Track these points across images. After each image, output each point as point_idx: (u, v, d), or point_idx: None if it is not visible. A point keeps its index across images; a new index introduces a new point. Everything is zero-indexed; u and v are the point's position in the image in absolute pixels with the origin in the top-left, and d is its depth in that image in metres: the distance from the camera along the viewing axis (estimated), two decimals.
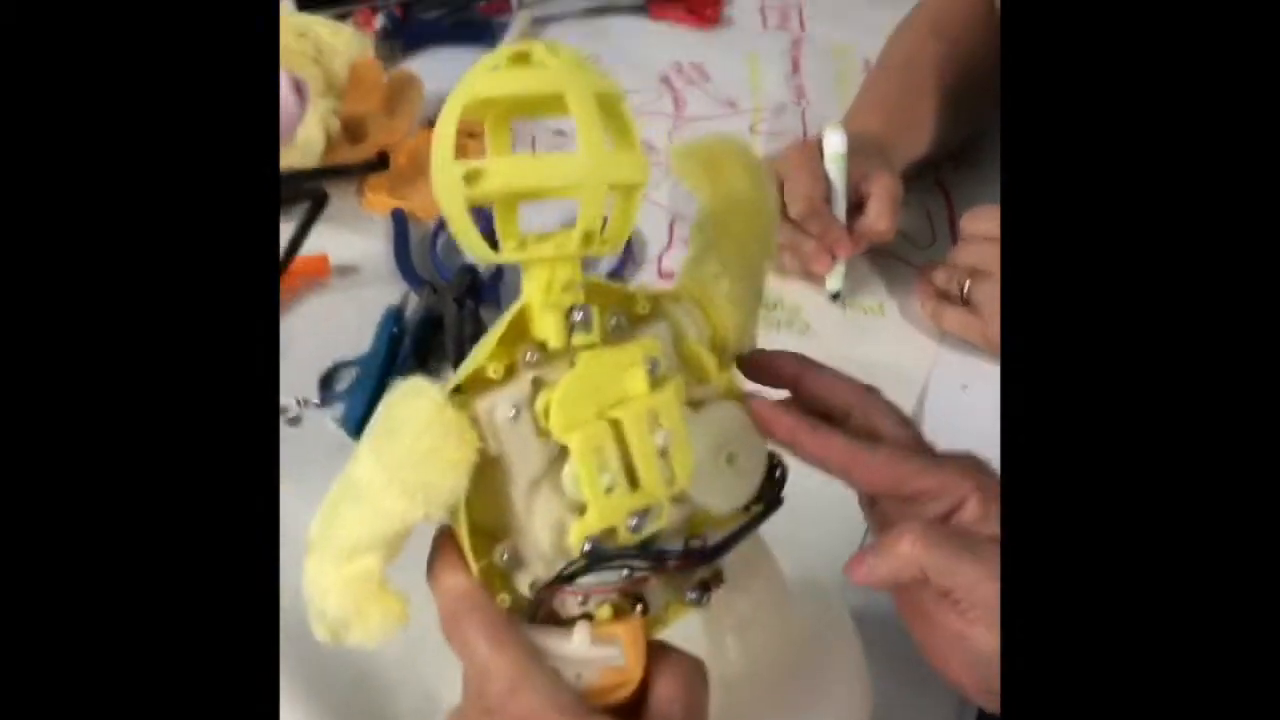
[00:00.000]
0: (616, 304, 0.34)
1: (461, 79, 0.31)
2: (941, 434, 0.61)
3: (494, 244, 0.32)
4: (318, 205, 0.70)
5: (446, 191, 0.31)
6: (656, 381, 0.33)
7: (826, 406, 0.39)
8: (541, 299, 0.32)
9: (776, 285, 0.71)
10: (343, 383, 0.63)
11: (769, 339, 0.65)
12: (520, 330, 0.33)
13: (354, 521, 0.31)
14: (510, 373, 0.32)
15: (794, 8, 1.00)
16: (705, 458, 0.34)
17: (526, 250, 0.32)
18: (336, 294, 0.69)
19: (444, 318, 0.65)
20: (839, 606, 0.42)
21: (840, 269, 0.68)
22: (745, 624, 0.38)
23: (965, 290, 0.64)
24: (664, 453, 0.33)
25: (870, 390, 0.40)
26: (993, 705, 0.39)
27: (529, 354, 0.32)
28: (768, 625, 0.38)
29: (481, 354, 0.32)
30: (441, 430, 0.31)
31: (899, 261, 0.73)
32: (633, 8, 0.99)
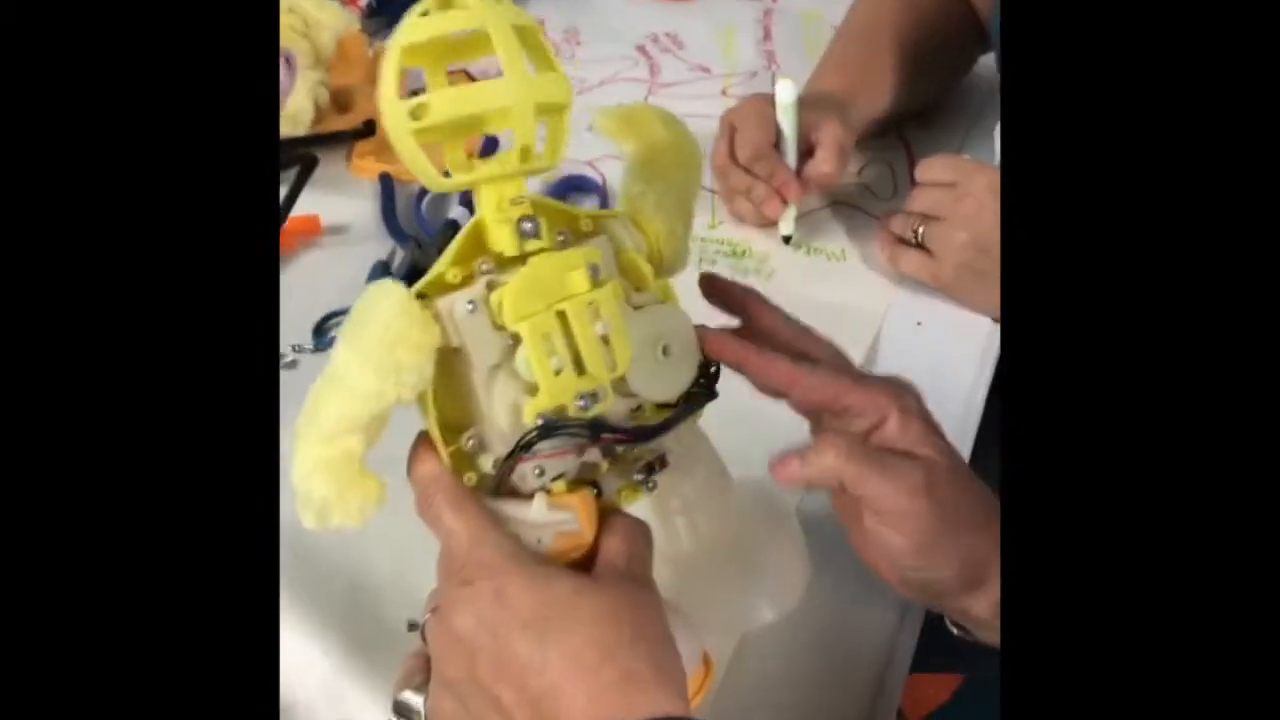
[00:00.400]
0: (562, 220, 0.38)
1: (396, 29, 0.35)
2: (895, 365, 0.65)
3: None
4: (308, 169, 0.75)
5: (395, 128, 0.34)
6: (598, 282, 0.37)
7: (770, 336, 0.44)
8: (494, 214, 0.36)
9: (744, 234, 0.75)
10: (334, 331, 0.67)
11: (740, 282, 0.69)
12: (476, 245, 0.37)
13: (334, 406, 0.35)
14: (467, 279, 0.36)
15: None
16: (642, 348, 0.38)
17: (476, 171, 0.36)
18: (328, 250, 0.74)
19: (428, 270, 0.69)
20: (778, 496, 0.46)
21: (791, 213, 0.72)
22: (690, 506, 0.42)
23: (919, 234, 0.68)
24: (605, 341, 0.37)
25: (806, 327, 0.45)
26: (909, 594, 0.44)
27: (484, 264, 0.36)
28: (711, 507, 0.42)
29: (441, 264, 0.36)
30: (408, 319, 0.34)
31: (861, 212, 0.77)
32: None
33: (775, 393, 0.43)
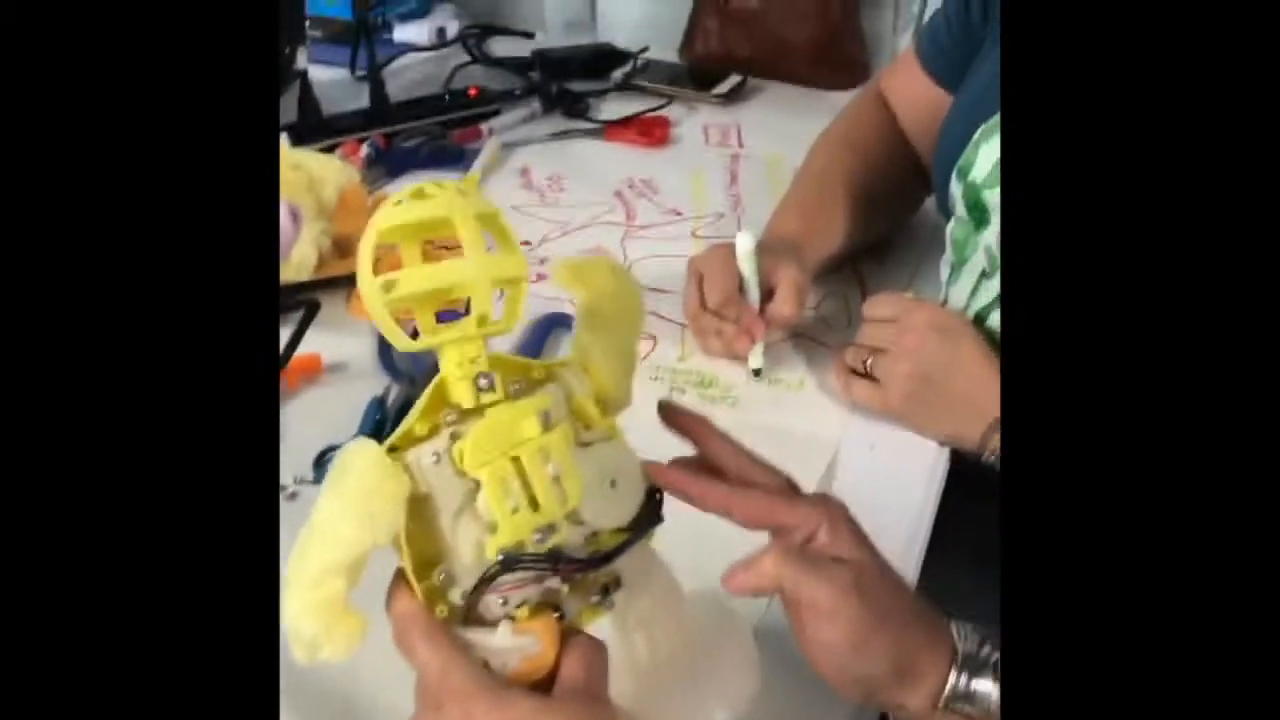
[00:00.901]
0: (516, 372, 0.43)
1: (373, 215, 0.41)
2: (851, 485, 0.71)
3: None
4: (311, 312, 0.81)
5: (369, 299, 0.40)
6: (549, 427, 0.42)
7: (716, 460, 0.49)
8: (454, 371, 0.41)
9: (711, 365, 0.81)
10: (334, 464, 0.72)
11: (703, 411, 0.75)
12: (440, 399, 0.42)
13: (317, 553, 0.39)
14: (433, 431, 0.41)
15: (733, 127, 1.12)
16: (592, 482, 0.43)
17: (439, 335, 0.41)
18: (328, 387, 0.79)
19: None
20: (730, 608, 0.51)
21: (759, 349, 0.79)
22: (647, 621, 0.46)
23: (868, 365, 0.74)
24: (557, 480, 0.41)
25: (750, 453, 0.50)
26: (850, 692, 0.48)
27: (448, 416, 0.41)
28: (666, 622, 0.47)
29: (410, 419, 0.41)
30: (381, 471, 0.39)
31: (817, 344, 0.83)
32: (591, 132, 1.11)
33: (718, 513, 0.48)
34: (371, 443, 0.40)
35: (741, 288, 0.78)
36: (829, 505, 0.48)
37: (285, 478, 0.71)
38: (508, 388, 0.42)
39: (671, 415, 0.50)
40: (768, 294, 0.78)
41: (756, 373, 0.79)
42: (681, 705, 0.49)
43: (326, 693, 0.58)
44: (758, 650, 0.51)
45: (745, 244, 0.77)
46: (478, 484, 0.41)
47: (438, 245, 0.46)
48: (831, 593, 0.45)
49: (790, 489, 0.50)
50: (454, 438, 0.41)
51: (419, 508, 0.41)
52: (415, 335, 0.42)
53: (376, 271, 0.41)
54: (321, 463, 0.72)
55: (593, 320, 0.46)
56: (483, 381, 0.41)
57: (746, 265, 0.77)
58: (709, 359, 0.81)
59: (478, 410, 0.42)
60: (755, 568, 0.46)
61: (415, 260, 0.42)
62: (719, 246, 0.81)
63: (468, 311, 0.41)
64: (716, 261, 0.78)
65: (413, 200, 0.41)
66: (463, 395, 0.41)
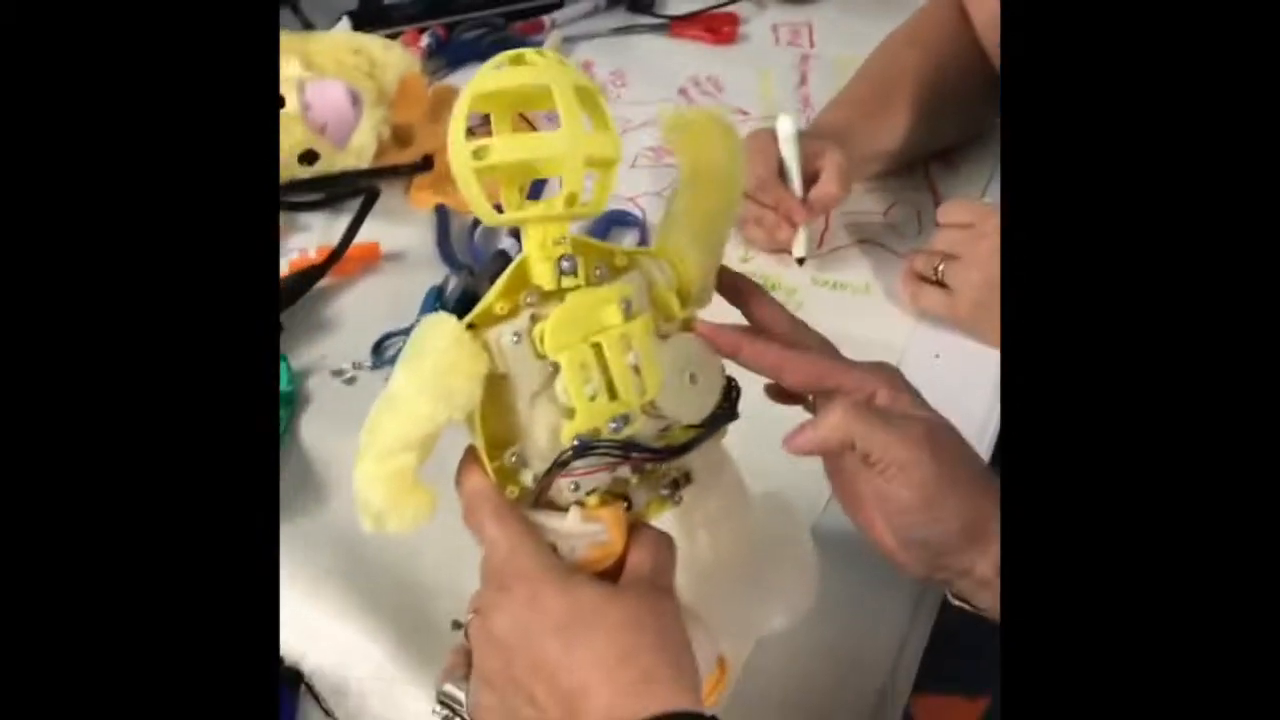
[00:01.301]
0: (599, 257, 0.42)
1: (471, 79, 0.40)
2: None
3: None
4: (370, 200, 0.80)
5: (459, 165, 0.39)
6: (630, 316, 0.41)
7: (766, 326, 0.47)
8: (537, 251, 0.40)
9: (774, 268, 0.79)
10: (392, 350, 0.72)
11: None
12: (521, 279, 0.41)
13: (391, 426, 0.39)
14: (513, 311, 0.41)
15: (804, 26, 1.09)
16: (671, 375, 0.42)
17: (525, 212, 0.40)
18: (387, 276, 0.79)
19: (479, 296, 0.74)
20: (792, 509, 0.50)
21: (802, 236, 0.77)
22: (713, 520, 0.46)
23: (939, 271, 0.72)
24: (636, 369, 0.41)
25: (800, 321, 0.48)
26: (910, 560, 0.46)
27: (528, 296, 0.41)
28: (731, 522, 0.46)
29: (490, 297, 0.41)
30: (460, 348, 0.39)
31: (886, 250, 0.81)
32: (655, 27, 1.08)
33: (770, 374, 0.46)
34: (451, 318, 0.40)
35: (782, 174, 0.76)
36: (885, 368, 0.47)
37: (344, 363, 0.71)
38: (590, 272, 0.42)
39: (722, 279, 0.47)
40: (811, 180, 0.76)
41: (800, 261, 0.78)
42: (739, 606, 0.49)
43: (385, 566, 0.58)
44: (816, 554, 0.50)
45: (786, 127, 0.75)
46: (556, 367, 0.40)
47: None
48: (905, 446, 0.43)
49: (841, 356, 0.48)
50: (534, 319, 0.40)
51: (495, 387, 0.41)
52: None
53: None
54: (379, 349, 0.72)
55: (690, 200, 0.44)
56: (565, 264, 0.40)
57: (788, 148, 0.75)
58: (776, 260, 0.79)
59: (558, 293, 0.41)
60: (822, 422, 0.44)
61: (506, 130, 0.40)
62: (759, 131, 0.78)
63: (536, 193, 0.40)
64: (754, 146, 0.76)
65: (512, 66, 0.40)
66: (544, 276, 0.40)
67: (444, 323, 0.40)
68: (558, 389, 0.40)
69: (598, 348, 0.40)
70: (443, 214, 0.82)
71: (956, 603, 0.48)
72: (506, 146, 0.39)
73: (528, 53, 0.40)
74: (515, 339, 0.40)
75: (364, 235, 0.78)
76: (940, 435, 0.44)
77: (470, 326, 0.40)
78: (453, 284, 0.77)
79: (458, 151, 0.39)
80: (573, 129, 0.39)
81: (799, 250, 0.78)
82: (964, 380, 0.70)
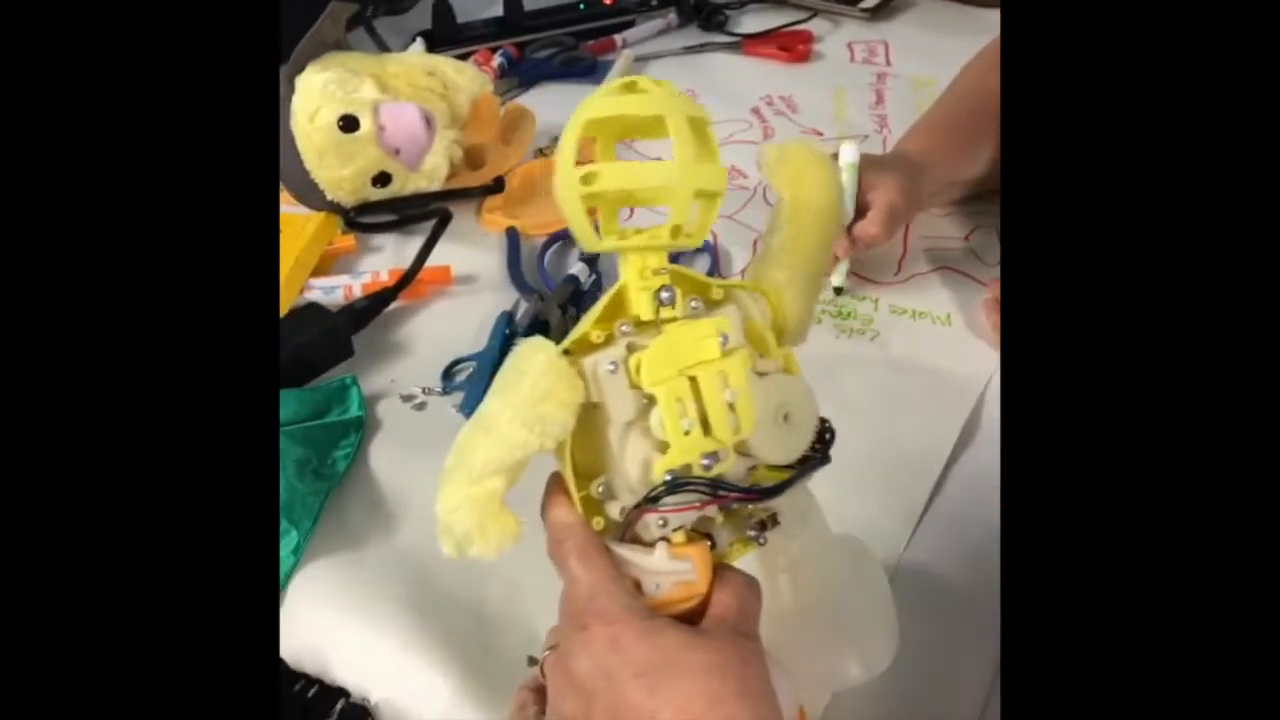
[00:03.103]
0: (696, 289, 0.41)
1: (581, 103, 0.39)
2: (997, 434, 0.66)
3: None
4: (442, 223, 0.80)
5: (566, 189, 0.38)
6: (727, 351, 0.39)
7: None
8: (636, 280, 0.39)
9: (850, 300, 0.77)
10: (461, 375, 0.71)
11: (844, 344, 0.71)
12: (616, 308, 0.40)
13: (483, 449, 0.38)
14: (609, 340, 0.40)
15: (880, 44, 1.07)
16: (765, 414, 0.40)
17: (626, 240, 0.39)
18: (458, 299, 0.78)
19: (549, 321, 0.74)
20: (874, 558, 0.48)
21: (843, 267, 0.76)
22: (795, 565, 0.44)
23: None
24: (731, 407, 0.39)
25: None
26: None
27: (624, 326, 0.40)
28: (813, 567, 0.45)
29: (585, 324, 0.40)
30: (556, 375, 0.38)
31: (968, 279, 0.78)
32: (728, 45, 1.07)
33: None
34: (549, 343, 0.39)
35: None
36: None
37: (414, 388, 0.70)
38: (686, 304, 0.40)
39: None
40: (860, 212, 0.74)
41: (838, 291, 0.77)
42: (818, 653, 0.47)
43: (455, 598, 0.57)
44: (895, 604, 0.48)
45: (849, 155, 0.73)
46: (650, 400, 0.39)
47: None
48: None
49: None
50: (630, 349, 0.39)
51: (586, 416, 0.39)
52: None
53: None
54: (450, 374, 0.71)
55: (792, 236, 0.43)
56: (664, 295, 0.39)
57: (846, 177, 0.74)
58: (852, 288, 0.77)
59: (654, 324, 0.40)
60: None
61: (611, 157, 0.39)
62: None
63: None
64: None
65: (625, 93, 0.39)
66: (643, 307, 0.39)
67: (542, 348, 0.39)
68: (652, 422, 0.39)
69: (694, 381, 0.39)
70: (514, 237, 0.82)
71: None
72: (617, 174, 0.38)
73: (641, 80, 0.39)
74: (612, 368, 0.39)
75: (435, 258, 0.78)
76: None
77: (565, 353, 0.39)
78: (523, 309, 0.76)
79: (565, 175, 0.38)
80: (685, 160, 0.38)
81: (837, 280, 0.76)
82: None
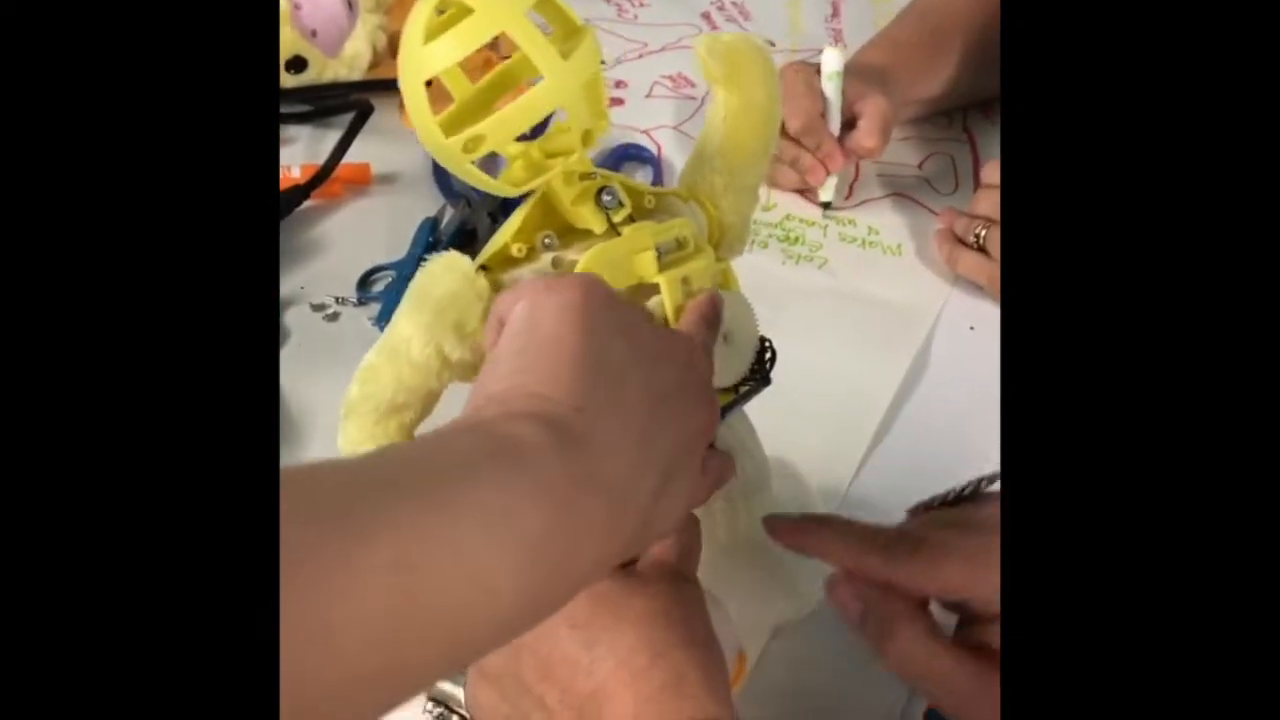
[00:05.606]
0: (628, 197, 0.37)
1: (405, 54, 0.34)
2: (945, 366, 0.64)
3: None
4: (362, 116, 0.74)
5: (450, 161, 0.34)
6: (664, 265, 0.36)
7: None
8: (566, 193, 0.35)
9: (797, 226, 0.73)
10: (379, 285, 0.66)
11: (791, 272, 0.67)
12: (541, 217, 0.36)
13: (390, 379, 0.35)
14: (531, 254, 0.36)
15: None
16: None
17: (547, 173, 0.35)
18: (377, 201, 0.73)
19: (476, 230, 0.68)
20: (813, 493, 0.47)
21: (832, 182, 0.72)
22: (732, 498, 0.42)
23: (981, 237, 0.66)
24: (665, 321, 0.35)
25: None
26: None
27: (545, 237, 0.36)
28: (752, 501, 0.42)
29: (503, 236, 0.35)
30: (471, 292, 0.34)
31: (920, 206, 0.75)
32: None
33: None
34: (462, 258, 0.35)
35: (823, 112, 0.70)
36: None
37: (326, 296, 0.65)
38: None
39: (780, 529, 0.42)
40: (848, 123, 0.71)
41: (826, 206, 0.73)
42: (748, 588, 0.45)
43: None
44: None
45: (832, 62, 0.69)
46: None
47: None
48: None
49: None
50: (556, 264, 0.35)
51: None
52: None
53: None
54: (366, 283, 0.66)
55: (728, 139, 0.39)
56: (606, 197, 0.35)
57: (831, 86, 0.70)
58: (795, 208, 0.74)
59: (580, 232, 0.36)
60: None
61: (460, 86, 0.35)
62: (801, 66, 0.72)
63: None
64: (799, 83, 0.70)
65: (454, 24, 0.33)
66: (589, 220, 0.36)
67: (454, 263, 0.35)
68: None
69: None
70: None
71: None
72: (502, 127, 0.34)
73: None
74: None
75: (354, 154, 0.72)
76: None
77: (483, 268, 0.35)
78: (449, 216, 0.71)
79: (444, 150, 0.34)
80: (553, 66, 0.33)
81: (826, 195, 0.73)
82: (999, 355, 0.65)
